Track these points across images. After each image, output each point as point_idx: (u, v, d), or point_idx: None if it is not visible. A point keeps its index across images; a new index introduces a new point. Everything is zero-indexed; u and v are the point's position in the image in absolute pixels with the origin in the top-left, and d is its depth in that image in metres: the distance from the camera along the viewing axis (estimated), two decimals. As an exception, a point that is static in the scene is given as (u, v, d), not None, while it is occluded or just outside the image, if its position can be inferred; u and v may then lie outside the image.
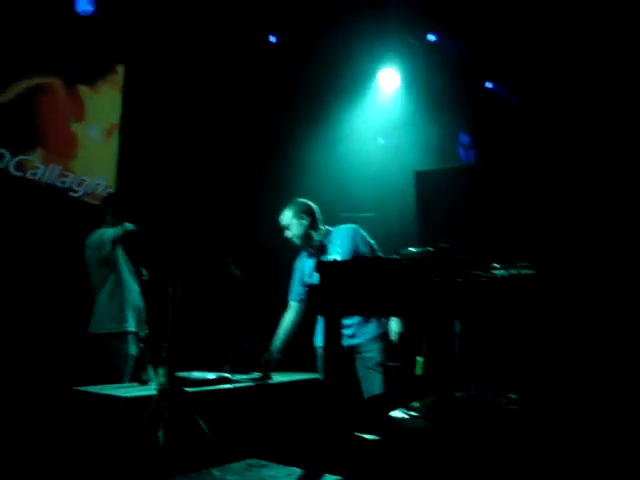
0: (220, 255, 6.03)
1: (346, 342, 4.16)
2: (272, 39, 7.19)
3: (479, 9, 6.39)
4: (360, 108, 7.36)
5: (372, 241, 4.39)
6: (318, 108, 7.11)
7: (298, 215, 4.36)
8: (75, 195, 5.73)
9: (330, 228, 4.46)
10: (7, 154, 5.29)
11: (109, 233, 4.56)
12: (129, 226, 4.39)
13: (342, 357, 3.63)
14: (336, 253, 4.25)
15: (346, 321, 4.19)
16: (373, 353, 4.23)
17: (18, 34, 5.35)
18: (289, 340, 4.47)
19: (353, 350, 4.25)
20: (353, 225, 4.42)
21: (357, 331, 4.24)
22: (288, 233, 4.40)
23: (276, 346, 4.44)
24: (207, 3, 6.36)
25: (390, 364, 4.20)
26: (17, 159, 5.35)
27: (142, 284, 4.79)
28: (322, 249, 4.35)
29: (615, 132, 5.89)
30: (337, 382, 2.61)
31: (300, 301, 4.45)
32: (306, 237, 4.37)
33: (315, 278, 2.78)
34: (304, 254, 4.51)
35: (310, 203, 4.48)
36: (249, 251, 6.73)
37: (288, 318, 4.48)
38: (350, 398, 3.75)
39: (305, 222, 4.35)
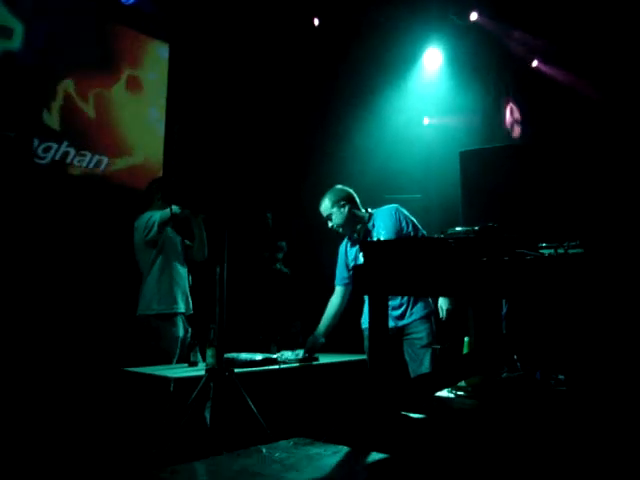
0: (266, 240, 6.07)
1: (393, 323, 4.16)
2: (316, 22, 7.18)
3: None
4: (405, 89, 7.33)
5: (415, 220, 4.36)
6: (363, 89, 7.11)
7: (337, 203, 4.33)
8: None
9: (372, 210, 4.43)
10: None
11: (156, 216, 4.62)
12: (176, 209, 4.42)
13: (388, 337, 3.63)
14: (380, 235, 4.23)
15: (393, 302, 4.19)
16: (422, 334, 4.21)
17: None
18: (334, 324, 4.47)
19: (401, 331, 4.24)
20: (395, 205, 4.38)
21: (405, 312, 4.23)
22: (331, 223, 4.38)
23: (321, 330, 4.45)
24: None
25: (435, 346, 4.19)
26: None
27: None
28: (366, 233, 4.33)
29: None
30: (384, 362, 2.61)
31: (345, 285, 4.43)
32: (348, 224, 4.34)
33: (360, 261, 2.78)
34: (348, 239, 4.49)
35: (347, 189, 4.44)
36: (294, 233, 6.78)
37: (333, 302, 4.47)
38: (396, 378, 3.75)
39: (345, 210, 4.32)
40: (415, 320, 4.23)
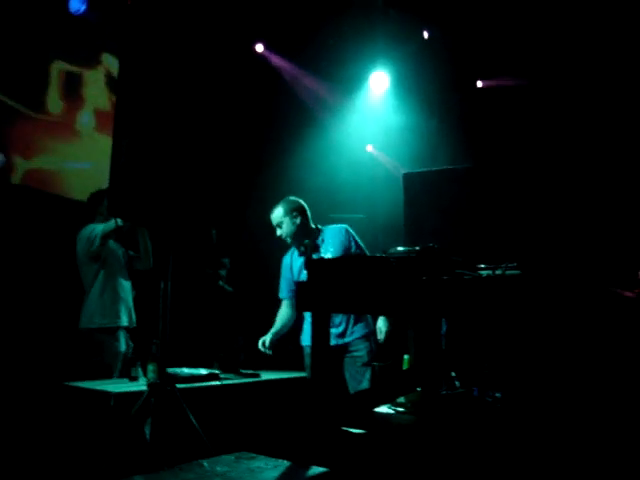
0: (210, 256, 6.07)
1: (334, 341, 4.20)
2: (259, 46, 7.24)
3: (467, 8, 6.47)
4: (352, 111, 7.43)
5: (361, 242, 4.42)
6: (310, 109, 7.18)
7: (290, 213, 4.35)
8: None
9: (321, 227, 4.47)
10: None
11: (99, 229, 4.59)
12: (119, 222, 4.39)
13: (330, 355, 3.68)
14: (328, 252, 4.27)
15: (334, 320, 4.23)
16: (362, 352, 4.26)
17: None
18: (283, 333, 4.48)
19: (342, 349, 4.28)
20: (345, 225, 4.45)
21: (345, 330, 4.28)
22: (280, 232, 4.39)
23: (271, 337, 4.41)
24: (200, 8, 6.43)
25: (375, 364, 4.25)
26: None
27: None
28: (314, 248, 4.35)
29: (606, 137, 5.97)
30: (324, 378, 2.66)
31: (292, 298, 4.44)
32: (298, 235, 4.36)
33: (304, 276, 2.81)
34: (292, 252, 4.51)
35: (301, 201, 4.47)
36: (238, 249, 6.79)
37: (283, 313, 4.49)
38: (337, 394, 3.79)
39: (297, 220, 4.34)
40: (356, 339, 4.28)
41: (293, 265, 4.47)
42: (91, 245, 4.59)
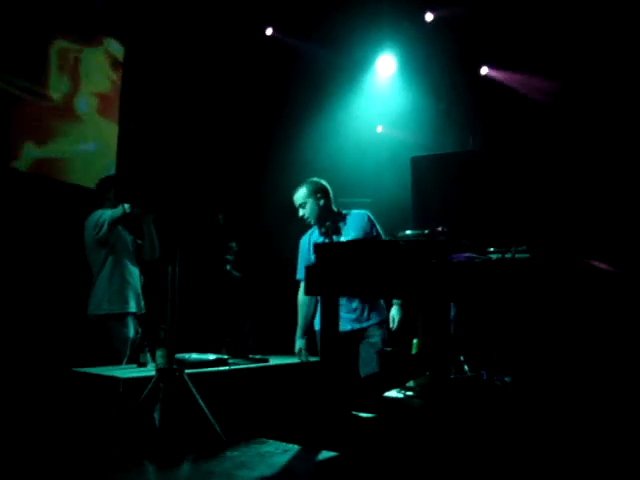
0: (217, 241, 6.07)
1: (350, 326, 4.23)
2: (269, 31, 7.21)
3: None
4: (358, 94, 7.39)
5: (381, 230, 4.41)
6: (316, 94, 7.14)
7: (314, 194, 4.33)
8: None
9: (344, 211, 4.45)
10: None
11: (107, 214, 4.58)
12: (127, 207, 4.38)
13: (339, 338, 3.67)
14: (349, 236, 4.26)
15: (352, 304, 4.25)
16: (376, 338, 4.27)
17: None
18: (309, 319, 4.46)
19: (358, 334, 4.28)
20: (367, 211, 4.45)
21: (361, 316, 4.28)
22: (302, 212, 4.37)
23: (299, 332, 4.44)
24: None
25: (387, 349, 4.25)
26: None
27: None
28: (335, 230, 4.33)
29: (612, 125, 5.93)
30: (335, 362, 2.65)
31: None
32: (320, 217, 4.35)
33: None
34: (311, 232, 4.49)
35: (325, 183, 4.44)
36: (245, 233, 6.78)
37: (304, 299, 4.46)
38: (347, 379, 3.79)
39: (321, 202, 4.33)
40: (372, 325, 4.29)
41: (311, 246, 4.41)
42: (99, 230, 4.58)
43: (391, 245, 2.58)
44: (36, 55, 5.56)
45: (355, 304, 4.27)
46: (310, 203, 4.34)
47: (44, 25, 5.58)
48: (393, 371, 3.11)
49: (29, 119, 5.46)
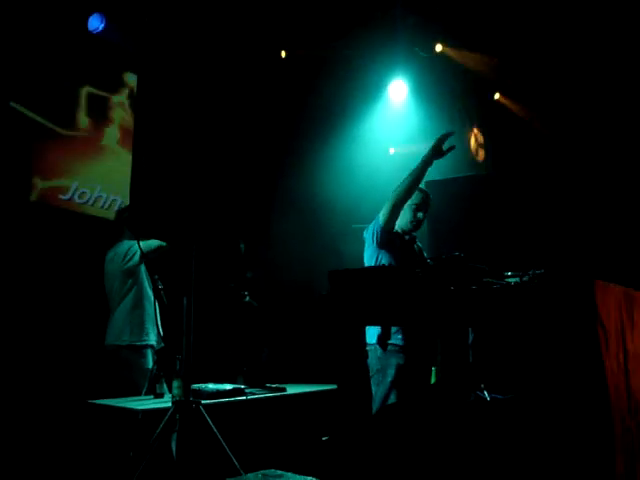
0: (237, 270, 6.05)
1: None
2: (283, 54, 7.25)
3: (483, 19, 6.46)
4: (371, 119, 7.41)
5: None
6: (330, 120, 7.16)
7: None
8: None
9: None
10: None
11: (141, 245, 4.50)
12: (159, 241, 4.39)
13: (361, 365, 3.55)
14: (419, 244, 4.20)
15: None
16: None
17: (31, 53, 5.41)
18: None
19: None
20: None
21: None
22: (423, 215, 4.20)
23: None
24: (220, 18, 6.43)
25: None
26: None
27: (158, 295, 4.72)
28: (413, 240, 4.20)
29: (622, 144, 5.91)
30: (354, 392, 2.62)
31: None
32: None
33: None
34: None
35: None
36: (260, 261, 6.77)
37: None
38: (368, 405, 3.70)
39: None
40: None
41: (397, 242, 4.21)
42: (129, 261, 4.59)
43: (408, 272, 2.56)
44: (66, 98, 5.68)
45: None
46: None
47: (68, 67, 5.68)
48: (412, 400, 3.07)
49: (52, 153, 5.53)
